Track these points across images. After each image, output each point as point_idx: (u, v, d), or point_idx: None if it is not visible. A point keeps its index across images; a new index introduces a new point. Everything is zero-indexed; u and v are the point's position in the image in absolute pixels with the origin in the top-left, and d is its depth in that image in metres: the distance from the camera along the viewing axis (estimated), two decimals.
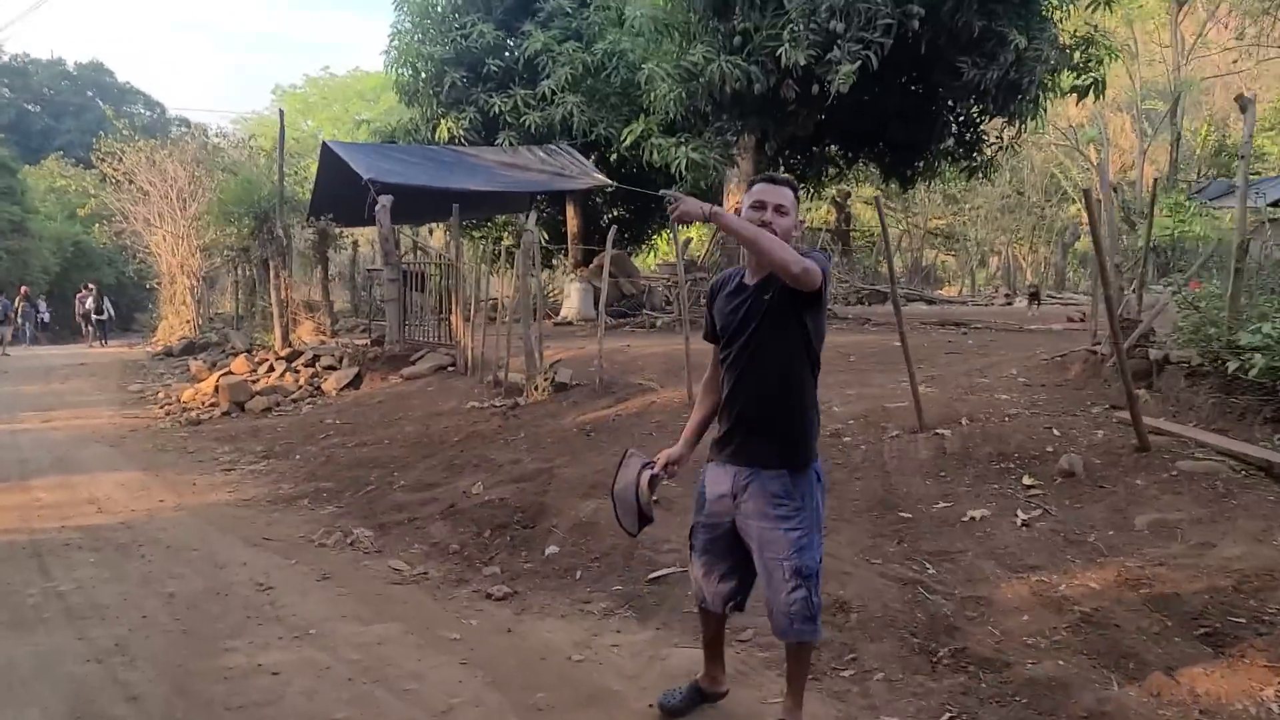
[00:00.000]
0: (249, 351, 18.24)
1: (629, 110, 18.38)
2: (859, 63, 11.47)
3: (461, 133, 18.93)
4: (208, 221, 23.21)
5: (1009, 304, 28.95)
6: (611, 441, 7.60)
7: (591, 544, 5.67)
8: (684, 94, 12.59)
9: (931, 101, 15.09)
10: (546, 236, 22.30)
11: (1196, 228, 26.11)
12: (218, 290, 36.00)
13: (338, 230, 14.90)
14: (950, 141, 16.05)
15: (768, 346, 3.09)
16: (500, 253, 17.81)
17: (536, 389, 10.07)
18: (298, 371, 13.91)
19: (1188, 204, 26.56)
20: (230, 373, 14.73)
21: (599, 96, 18.08)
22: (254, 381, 13.81)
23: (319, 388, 13.42)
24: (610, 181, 17.48)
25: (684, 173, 13.15)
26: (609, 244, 10.82)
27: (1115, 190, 31.25)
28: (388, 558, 6.08)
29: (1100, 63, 13.08)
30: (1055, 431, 6.10)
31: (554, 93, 17.91)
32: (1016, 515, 5.00)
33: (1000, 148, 15.60)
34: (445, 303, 14.14)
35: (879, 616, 4.19)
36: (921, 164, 16.66)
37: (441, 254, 13.99)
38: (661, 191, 3.22)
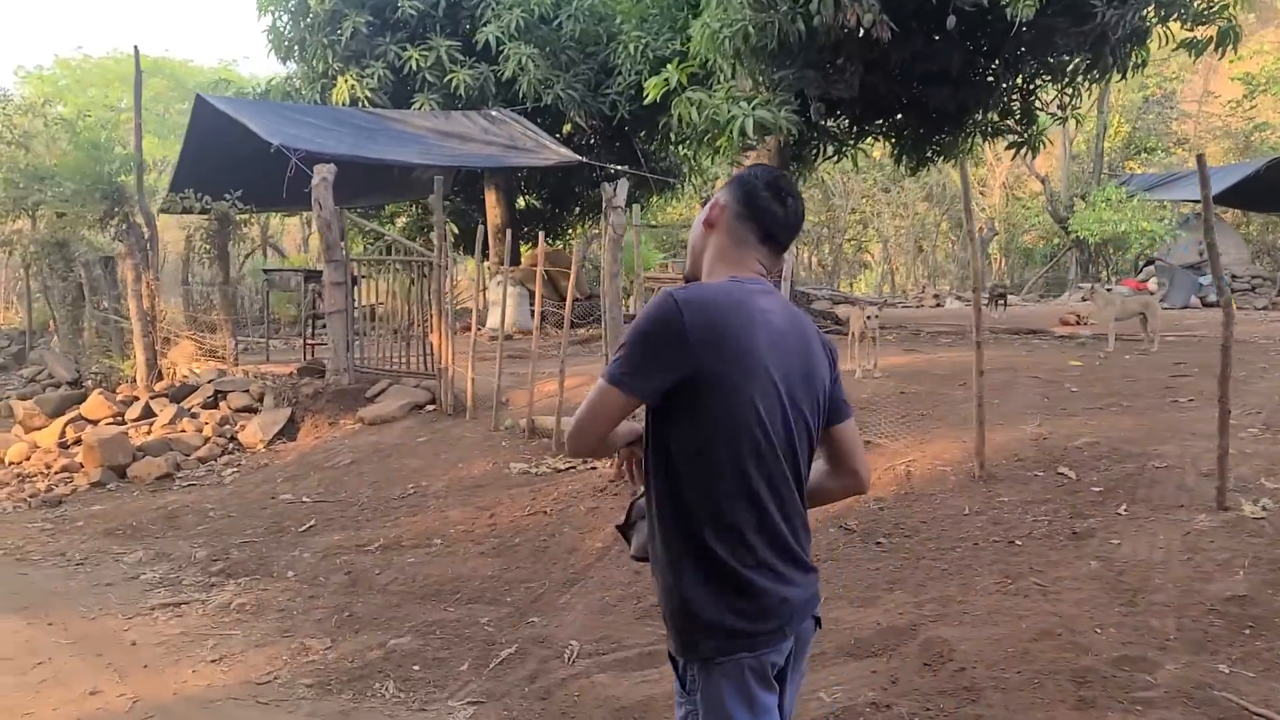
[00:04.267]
0: (81, 383, 13.96)
1: (587, 69, 15.35)
2: None
3: (368, 94, 15.27)
4: None
5: (939, 305, 27.63)
6: (938, 555, 4.68)
7: None
8: (751, 29, 9.72)
9: (989, 59, 12.88)
10: (455, 230, 18.84)
11: (1143, 223, 25.57)
12: None
13: (243, 214, 11.05)
14: (995, 112, 13.92)
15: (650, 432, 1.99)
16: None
17: None
18: (196, 416, 10.09)
19: (1128, 198, 25.98)
20: (82, 417, 10.68)
21: (552, 51, 14.91)
22: (124, 431, 9.87)
23: (234, 439, 9.70)
24: (577, 157, 14.34)
25: (747, 135, 10.23)
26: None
27: (1044, 181, 30.76)
28: None
29: (1225, 7, 11.10)
30: None
31: (499, 43, 14.58)
32: None
33: (1061, 117, 13.59)
34: (404, 314, 10.69)
35: None
36: (949, 138, 14.47)
37: (410, 248, 10.53)
38: None
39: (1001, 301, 22.46)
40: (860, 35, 10.45)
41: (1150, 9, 10.28)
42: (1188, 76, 36.88)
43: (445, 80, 15.25)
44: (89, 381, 13.89)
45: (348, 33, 15.28)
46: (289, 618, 5.44)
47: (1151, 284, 26.82)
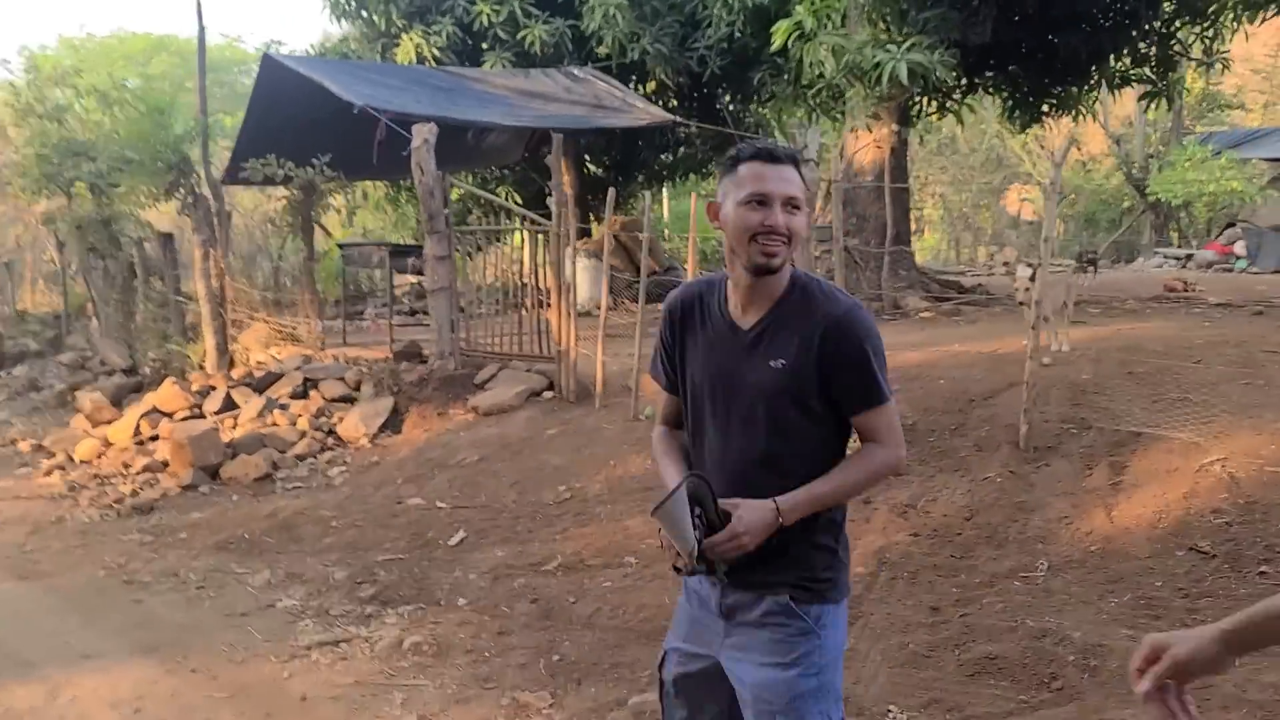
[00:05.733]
0: (137, 370, 13.08)
1: (674, 21, 14.27)
2: None
3: (435, 53, 14.25)
4: (21, 186, 17.54)
5: (1009, 273, 26.55)
6: None
7: None
8: None
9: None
10: (519, 199, 17.81)
11: (1232, 183, 24.34)
12: (16, 276, 29.39)
13: (329, 183, 9.95)
14: (1127, 59, 12.80)
15: (787, 448, 2.07)
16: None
17: None
18: (286, 407, 9.17)
19: (1213, 156, 24.73)
20: (156, 409, 9.78)
21: (635, 2, 13.83)
22: (214, 427, 8.94)
23: (332, 433, 8.79)
24: (670, 116, 13.31)
25: (900, 82, 9.14)
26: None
27: (1117, 142, 29.47)
28: None
29: None
30: None
31: None
32: None
33: (1205, 63, 12.46)
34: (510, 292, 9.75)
35: None
36: (1071, 90, 13.35)
37: (527, 215, 9.56)
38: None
39: (1092, 268, 21.27)
40: None
41: None
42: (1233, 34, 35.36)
43: (519, 37, 14.20)
44: (146, 369, 13.02)
45: None
46: (483, 662, 4.52)
47: (1237, 247, 25.63)
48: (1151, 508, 4.53)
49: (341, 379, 9.40)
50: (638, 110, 13.13)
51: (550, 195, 8.82)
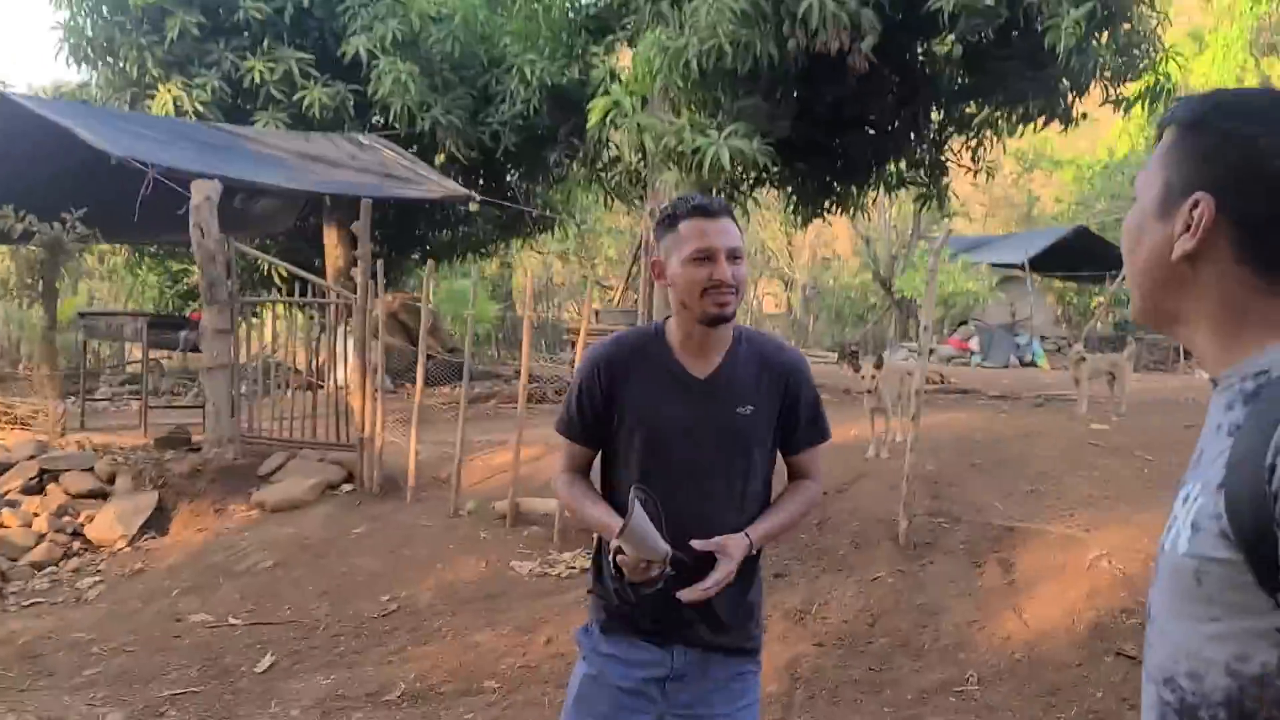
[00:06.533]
0: None
1: (466, 93, 13.84)
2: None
3: (198, 107, 13.03)
4: None
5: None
6: None
7: None
8: (728, 47, 8.59)
9: (903, 106, 12.47)
10: (282, 273, 16.57)
11: (968, 284, 26.61)
12: None
13: (80, 241, 8.44)
14: (903, 162, 13.58)
15: (748, 487, 2.20)
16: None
17: None
18: (16, 505, 7.66)
19: (949, 259, 27.01)
20: None
21: (425, 72, 13.31)
22: None
23: (79, 535, 7.42)
24: (465, 191, 12.74)
25: (722, 167, 9.08)
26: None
27: (867, 242, 31.58)
28: None
29: (1160, 64, 11.06)
30: None
31: (371, 56, 12.84)
32: None
33: (975, 169, 13.35)
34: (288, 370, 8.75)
35: None
36: (852, 189, 14.00)
37: (323, 285, 8.63)
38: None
39: (854, 361, 22.31)
40: (814, 64, 9.73)
41: (1107, 58, 10.09)
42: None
43: (295, 98, 13.28)
44: None
45: (173, 34, 12.99)
46: None
47: (972, 343, 27.98)
48: (1058, 608, 4.40)
49: (90, 470, 7.99)
50: (430, 183, 12.49)
51: (355, 265, 8.01)
